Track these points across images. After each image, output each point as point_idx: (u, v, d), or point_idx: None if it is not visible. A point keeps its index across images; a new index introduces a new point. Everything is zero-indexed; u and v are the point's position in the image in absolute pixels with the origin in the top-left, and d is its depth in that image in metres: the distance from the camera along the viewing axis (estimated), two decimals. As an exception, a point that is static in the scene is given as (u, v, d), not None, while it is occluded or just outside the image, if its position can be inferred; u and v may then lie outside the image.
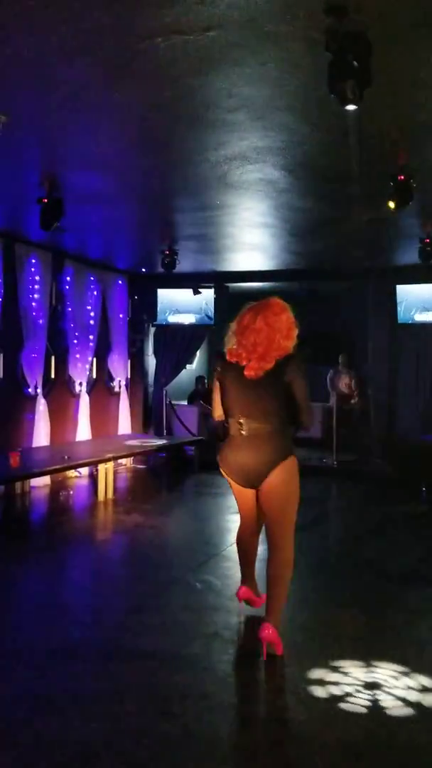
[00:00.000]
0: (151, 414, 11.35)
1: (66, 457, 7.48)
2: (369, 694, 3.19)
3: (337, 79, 3.17)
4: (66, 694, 3.18)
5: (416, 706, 3.08)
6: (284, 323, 3.70)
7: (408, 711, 3.05)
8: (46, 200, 6.01)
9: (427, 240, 7.68)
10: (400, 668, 3.47)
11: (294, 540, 3.77)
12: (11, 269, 8.15)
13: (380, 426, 10.32)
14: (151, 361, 11.40)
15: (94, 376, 10.14)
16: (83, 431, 9.59)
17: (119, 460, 8.86)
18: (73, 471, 8.69)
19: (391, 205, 5.36)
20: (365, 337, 10.82)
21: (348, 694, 3.19)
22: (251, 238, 8.17)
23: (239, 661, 3.55)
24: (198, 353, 12.62)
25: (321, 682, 3.33)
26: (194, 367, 12.59)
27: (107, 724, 2.91)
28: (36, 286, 8.50)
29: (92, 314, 9.84)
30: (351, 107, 3.31)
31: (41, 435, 8.62)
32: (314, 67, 3.56)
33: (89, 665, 3.51)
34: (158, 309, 11.27)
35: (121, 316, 10.69)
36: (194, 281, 10.74)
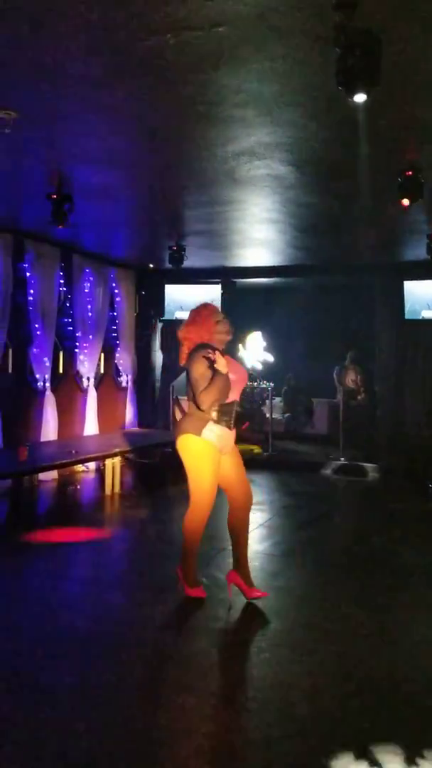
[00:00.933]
0: (158, 409, 11.38)
1: (73, 451, 7.52)
2: (375, 689, 3.20)
3: (344, 74, 3.17)
4: (68, 686, 3.21)
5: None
6: (198, 318, 4.31)
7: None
8: (55, 196, 6.03)
9: (435, 236, 7.65)
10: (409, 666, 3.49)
11: (196, 510, 4.27)
12: (20, 265, 8.19)
13: (387, 422, 10.30)
14: (158, 357, 11.43)
15: (102, 371, 10.17)
16: (91, 426, 9.62)
17: (126, 455, 8.89)
18: (80, 465, 8.72)
19: (405, 202, 5.35)
20: (372, 334, 10.81)
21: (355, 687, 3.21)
22: (258, 233, 8.17)
23: (244, 657, 3.57)
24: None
25: (328, 678, 3.35)
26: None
27: (108, 717, 2.93)
28: (44, 282, 8.53)
29: (100, 310, 9.87)
30: (359, 102, 3.31)
31: (49, 429, 8.66)
32: (322, 63, 3.56)
33: (92, 658, 3.54)
34: (165, 305, 11.27)
35: (128, 311, 10.70)
36: (201, 276, 10.74)
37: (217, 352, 4.08)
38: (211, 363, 4.07)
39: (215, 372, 4.06)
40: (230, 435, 4.29)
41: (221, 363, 4.01)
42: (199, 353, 4.14)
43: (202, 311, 4.35)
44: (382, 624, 4.09)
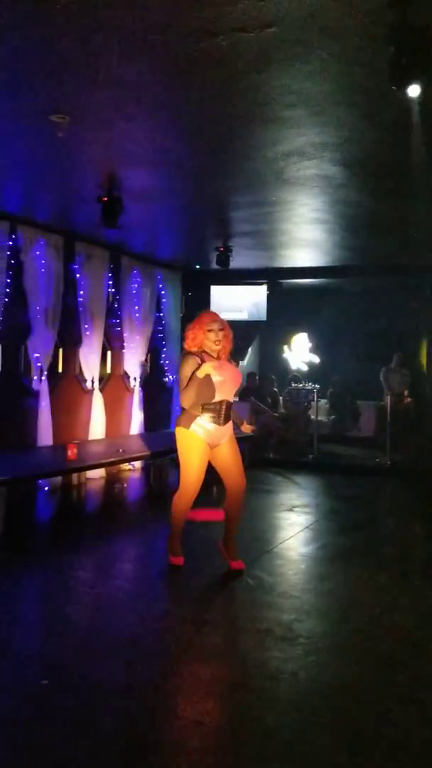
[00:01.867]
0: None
1: (120, 450, 7.60)
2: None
3: (398, 73, 3.13)
4: (116, 684, 3.25)
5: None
6: (196, 323, 4.76)
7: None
8: (105, 198, 6.11)
9: None
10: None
11: (183, 493, 4.81)
12: (71, 266, 8.32)
13: (435, 425, 10.15)
14: (204, 358, 11.45)
15: (148, 371, 10.26)
16: (136, 425, 9.72)
17: (171, 455, 8.94)
18: (126, 464, 8.82)
19: None
20: (419, 335, 10.65)
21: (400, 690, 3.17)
22: (306, 234, 8.13)
23: (291, 658, 3.56)
24: (249, 350, 12.62)
25: (373, 683, 3.32)
26: (246, 363, 12.60)
27: (155, 717, 2.96)
28: (94, 283, 8.65)
29: (147, 310, 9.95)
30: (413, 96, 3.26)
31: (97, 428, 8.78)
32: (374, 62, 3.53)
33: (139, 656, 3.57)
34: (211, 306, 11.30)
35: (174, 312, 10.76)
36: (248, 277, 10.74)
37: (204, 361, 4.61)
38: (197, 366, 4.57)
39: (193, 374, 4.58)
40: (219, 430, 4.74)
41: (201, 370, 4.53)
42: (188, 356, 4.68)
43: (202, 317, 4.79)
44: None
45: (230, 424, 4.86)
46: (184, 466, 4.81)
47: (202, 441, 4.72)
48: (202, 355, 4.69)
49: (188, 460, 4.77)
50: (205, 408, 4.68)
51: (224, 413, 4.73)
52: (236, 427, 4.98)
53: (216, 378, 4.62)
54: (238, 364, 5.15)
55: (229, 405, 4.77)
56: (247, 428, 5.25)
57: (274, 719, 2.94)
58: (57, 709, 2.99)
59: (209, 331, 4.70)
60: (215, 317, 4.83)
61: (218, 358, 4.76)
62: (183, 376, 4.65)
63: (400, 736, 2.82)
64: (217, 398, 4.67)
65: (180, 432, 4.78)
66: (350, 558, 5.43)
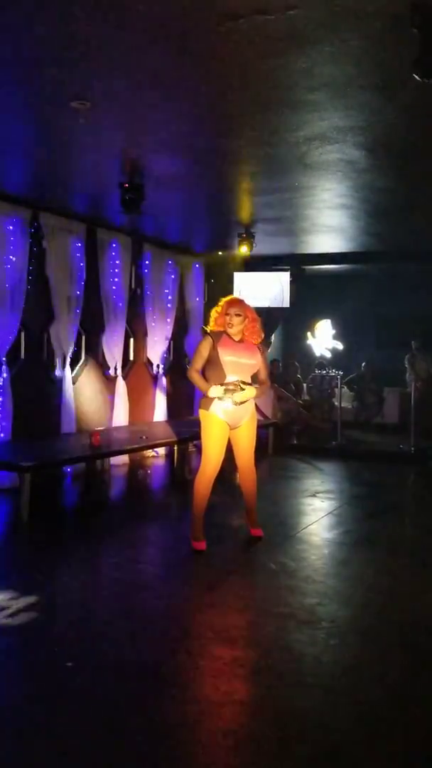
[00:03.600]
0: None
1: (143, 437, 7.66)
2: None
3: (422, 55, 3.09)
4: (139, 666, 3.30)
5: None
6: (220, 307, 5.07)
7: None
8: (126, 185, 6.12)
9: None
10: None
11: (202, 473, 4.99)
12: (93, 254, 8.36)
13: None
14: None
15: (171, 358, 10.29)
16: (160, 412, 9.77)
17: (194, 441, 8.98)
18: (150, 450, 8.88)
19: None
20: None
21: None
22: (329, 219, 8.07)
23: (314, 641, 3.58)
24: (273, 336, 12.58)
25: (397, 666, 3.33)
26: (269, 350, 12.58)
27: (179, 698, 3.01)
28: (116, 270, 8.68)
29: (170, 297, 9.97)
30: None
31: (120, 415, 8.84)
32: (398, 44, 3.48)
33: (162, 639, 3.62)
34: (234, 292, 11.28)
35: (197, 299, 10.77)
36: (271, 264, 10.69)
37: (223, 341, 4.92)
38: (213, 346, 4.89)
39: (210, 356, 4.90)
40: (237, 410, 4.92)
41: (212, 391, 4.86)
42: (206, 336, 5.04)
43: (225, 302, 5.08)
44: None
45: (250, 405, 5.06)
46: (204, 446, 5.04)
47: (222, 422, 4.93)
48: (223, 336, 4.96)
49: (207, 440, 4.99)
50: (224, 388, 4.89)
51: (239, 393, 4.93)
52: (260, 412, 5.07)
53: (227, 358, 4.89)
54: (267, 350, 5.26)
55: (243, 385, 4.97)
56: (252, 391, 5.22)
57: (297, 701, 2.97)
58: (80, 692, 3.05)
59: (226, 314, 4.97)
60: (234, 303, 5.08)
61: (241, 341, 5.00)
62: (196, 353, 5.00)
63: (422, 719, 2.83)
64: (231, 378, 4.88)
65: (202, 414, 5.02)
66: (373, 543, 5.43)
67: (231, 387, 4.83)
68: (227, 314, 4.95)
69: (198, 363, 4.99)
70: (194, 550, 5.02)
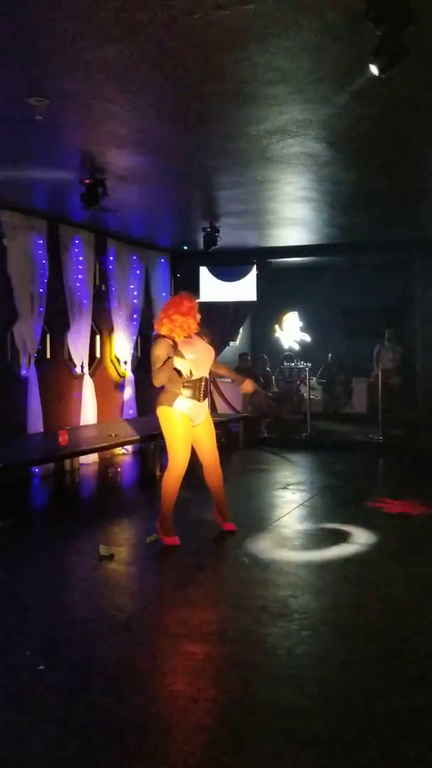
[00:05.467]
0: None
1: (113, 434, 7.61)
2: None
3: (378, 49, 3.11)
4: (112, 664, 3.29)
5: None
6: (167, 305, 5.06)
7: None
8: (88, 180, 6.07)
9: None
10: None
11: (172, 470, 4.99)
12: (56, 251, 8.27)
13: (428, 400, 10.19)
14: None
15: (139, 354, 10.23)
16: (128, 409, 9.72)
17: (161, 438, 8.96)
18: (120, 448, 8.83)
19: None
20: (412, 312, 10.67)
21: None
22: (293, 212, 8.10)
23: (287, 634, 3.61)
24: (241, 330, 12.61)
25: (370, 654, 3.37)
26: (237, 344, 12.60)
27: (154, 696, 3.00)
28: (80, 267, 8.61)
29: (135, 293, 9.91)
30: (381, 75, 3.26)
31: (88, 413, 8.78)
32: (353, 37, 3.50)
33: (135, 636, 3.61)
34: (200, 286, 11.26)
35: (164, 294, 10.72)
36: (236, 257, 10.70)
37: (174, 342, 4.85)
38: (171, 348, 4.78)
39: (169, 358, 4.76)
40: (198, 406, 5.00)
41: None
42: (161, 338, 4.86)
43: (183, 302, 4.97)
44: (427, 602, 4.08)
45: (207, 402, 5.15)
46: (171, 443, 4.98)
47: (187, 417, 4.96)
48: (172, 337, 4.89)
49: (174, 437, 4.95)
50: (185, 386, 4.92)
51: (203, 390, 5.03)
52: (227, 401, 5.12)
53: (189, 356, 4.89)
54: (210, 338, 5.27)
55: (206, 381, 5.06)
56: (248, 385, 5.50)
57: (271, 695, 2.99)
58: (52, 692, 3.03)
59: (189, 314, 4.90)
60: (192, 299, 5.03)
61: (189, 336, 4.96)
62: (156, 357, 4.81)
63: (395, 711, 2.87)
64: (195, 376, 4.91)
65: (163, 411, 4.97)
66: (344, 534, 5.48)
67: (198, 385, 4.95)
68: (191, 314, 4.91)
69: (162, 365, 4.83)
70: (167, 546, 5.02)
